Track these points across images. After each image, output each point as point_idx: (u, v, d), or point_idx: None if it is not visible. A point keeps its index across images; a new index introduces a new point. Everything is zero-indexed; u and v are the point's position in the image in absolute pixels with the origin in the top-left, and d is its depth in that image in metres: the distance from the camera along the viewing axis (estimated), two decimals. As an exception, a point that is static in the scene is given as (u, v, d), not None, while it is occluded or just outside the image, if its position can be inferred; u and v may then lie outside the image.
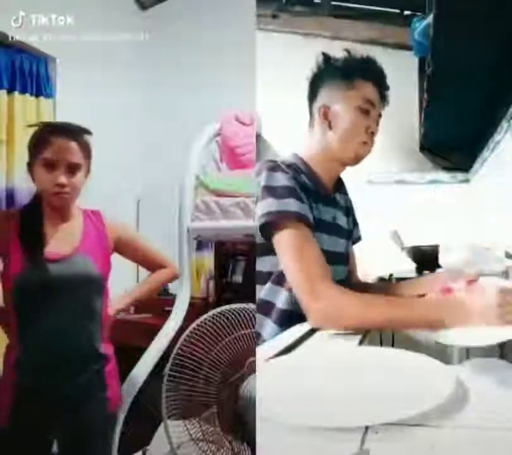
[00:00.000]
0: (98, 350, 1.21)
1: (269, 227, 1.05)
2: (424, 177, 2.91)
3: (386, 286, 1.56)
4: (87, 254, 1.22)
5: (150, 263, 1.43)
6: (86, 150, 1.22)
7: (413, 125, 2.57)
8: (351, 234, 1.36)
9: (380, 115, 1.23)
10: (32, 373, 1.15)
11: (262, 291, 1.14)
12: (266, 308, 1.13)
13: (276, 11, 2.97)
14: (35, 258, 1.15)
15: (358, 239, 1.41)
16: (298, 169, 1.15)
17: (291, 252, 1.02)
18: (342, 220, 1.28)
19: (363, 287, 1.26)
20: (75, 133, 1.21)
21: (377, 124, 1.23)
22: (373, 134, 1.20)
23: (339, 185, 1.31)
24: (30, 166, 1.21)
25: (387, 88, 1.24)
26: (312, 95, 1.24)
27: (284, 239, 1.03)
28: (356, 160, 1.22)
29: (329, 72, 1.22)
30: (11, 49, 2.26)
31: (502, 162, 1.97)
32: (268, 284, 1.13)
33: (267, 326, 1.11)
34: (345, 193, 1.35)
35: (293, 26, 3.03)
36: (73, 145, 1.19)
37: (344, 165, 1.24)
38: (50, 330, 1.15)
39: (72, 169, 1.19)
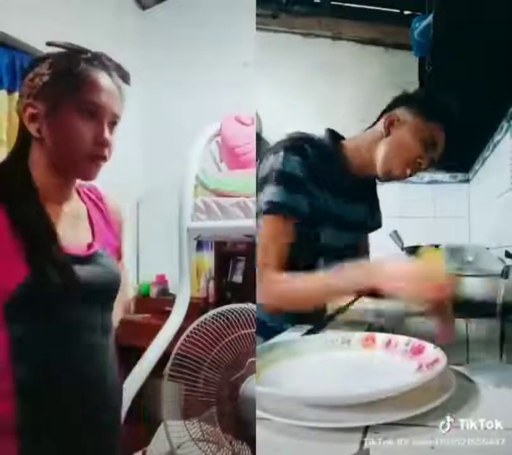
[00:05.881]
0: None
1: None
2: (424, 177, 2.91)
3: None
4: (105, 250, 0.89)
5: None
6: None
7: (413, 125, 2.56)
8: (366, 224, 1.28)
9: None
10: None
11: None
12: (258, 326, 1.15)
13: (276, 11, 2.97)
14: (52, 257, 0.77)
15: (378, 226, 1.35)
16: (323, 153, 1.09)
17: (263, 241, 1.06)
18: (356, 212, 1.21)
19: None
20: (127, 77, 0.86)
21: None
22: (420, 164, 1.12)
23: (370, 180, 1.23)
24: (48, 112, 0.81)
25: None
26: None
27: (263, 227, 1.07)
28: (389, 178, 1.15)
29: None
30: (11, 49, 2.26)
31: (502, 162, 1.97)
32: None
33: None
34: (374, 182, 1.27)
35: (293, 26, 3.03)
36: (120, 91, 0.85)
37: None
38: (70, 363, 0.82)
39: (113, 124, 0.85)
